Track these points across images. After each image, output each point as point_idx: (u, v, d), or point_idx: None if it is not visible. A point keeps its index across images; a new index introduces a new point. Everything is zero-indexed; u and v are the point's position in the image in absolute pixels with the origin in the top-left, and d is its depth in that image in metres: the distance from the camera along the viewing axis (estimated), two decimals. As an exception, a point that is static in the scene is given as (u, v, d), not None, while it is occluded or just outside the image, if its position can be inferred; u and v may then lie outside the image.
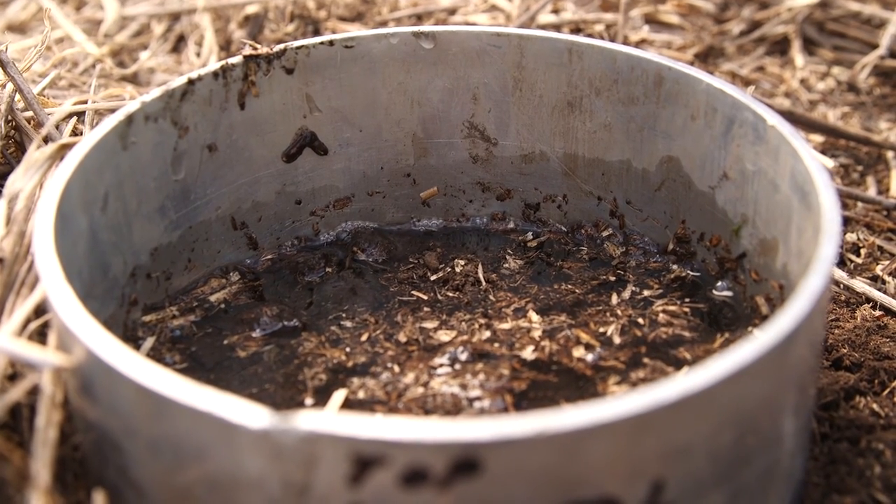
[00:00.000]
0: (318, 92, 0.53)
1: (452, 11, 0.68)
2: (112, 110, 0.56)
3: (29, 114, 0.55)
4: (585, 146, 0.54)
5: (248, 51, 0.51)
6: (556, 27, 0.67)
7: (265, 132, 0.53)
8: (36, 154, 0.47)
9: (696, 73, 0.50)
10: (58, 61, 0.63)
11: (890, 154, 0.64)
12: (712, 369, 0.34)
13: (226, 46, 0.71)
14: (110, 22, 0.77)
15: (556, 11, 0.70)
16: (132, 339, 0.48)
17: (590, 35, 0.65)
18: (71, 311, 0.38)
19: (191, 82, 0.50)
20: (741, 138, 0.48)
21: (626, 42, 0.65)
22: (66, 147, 0.47)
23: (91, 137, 0.46)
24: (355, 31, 0.53)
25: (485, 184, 0.56)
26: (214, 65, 0.51)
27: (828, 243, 0.40)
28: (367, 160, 0.55)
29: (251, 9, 0.71)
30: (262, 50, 0.51)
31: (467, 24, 0.69)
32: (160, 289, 0.51)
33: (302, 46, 0.52)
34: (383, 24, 0.68)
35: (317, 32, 0.68)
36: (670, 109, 0.51)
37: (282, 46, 0.52)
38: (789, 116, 0.64)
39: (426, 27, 0.53)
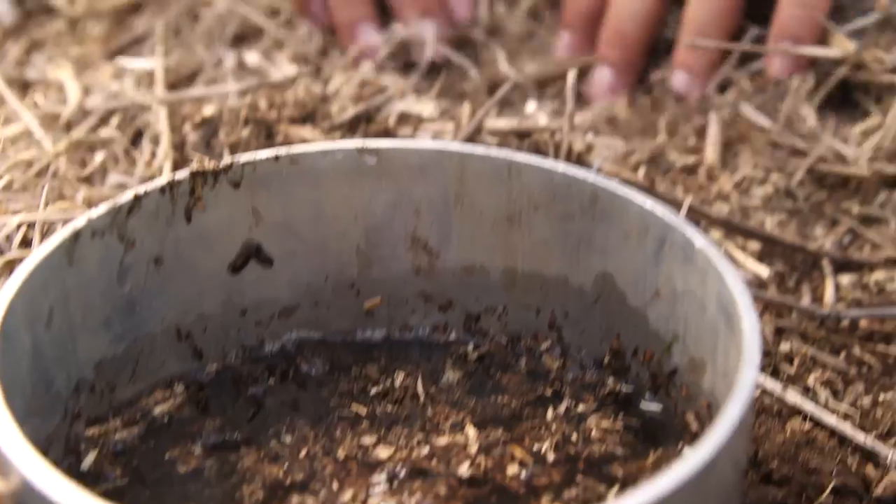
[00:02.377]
0: (264, 205, 0.55)
1: (404, 119, 0.69)
2: (64, 220, 0.57)
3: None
4: (525, 260, 0.56)
5: (195, 166, 0.53)
6: (504, 133, 0.69)
7: (211, 244, 0.54)
8: (-18, 271, 0.48)
9: (629, 193, 0.51)
10: (12, 166, 0.64)
11: (825, 262, 0.66)
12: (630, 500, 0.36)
13: (180, 147, 0.72)
14: (70, 113, 0.78)
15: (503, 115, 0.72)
16: (75, 453, 0.49)
17: (535, 142, 0.67)
18: (7, 436, 0.38)
19: (137, 198, 0.51)
20: (671, 259, 0.50)
21: (570, 149, 0.67)
22: (12, 263, 0.48)
23: (36, 255, 0.47)
24: (301, 146, 0.54)
25: (427, 294, 0.58)
26: (161, 180, 0.52)
27: (748, 371, 0.42)
28: (311, 271, 0.57)
29: (207, 111, 0.73)
30: (209, 165, 0.53)
31: (418, 122, 0.71)
32: (104, 401, 0.51)
33: (248, 161, 0.54)
34: (334, 127, 0.69)
35: (270, 136, 0.69)
36: (605, 227, 0.53)
37: (228, 161, 0.53)
38: (727, 224, 0.66)
39: (371, 142, 0.55)
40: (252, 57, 0.84)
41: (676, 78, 0.79)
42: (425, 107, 0.70)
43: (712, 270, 0.47)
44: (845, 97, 0.78)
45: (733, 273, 0.46)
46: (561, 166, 0.53)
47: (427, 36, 0.80)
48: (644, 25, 0.79)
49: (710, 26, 0.78)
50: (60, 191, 0.66)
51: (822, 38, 0.78)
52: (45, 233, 0.58)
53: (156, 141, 0.74)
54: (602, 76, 0.79)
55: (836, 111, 0.77)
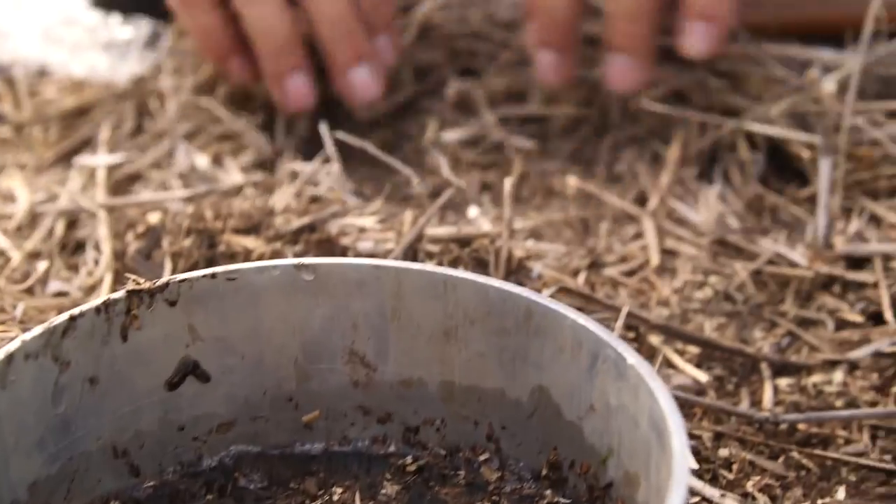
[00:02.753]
0: (200, 322, 0.55)
1: (347, 229, 0.70)
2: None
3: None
4: (461, 373, 0.56)
5: (130, 285, 0.53)
6: (445, 241, 0.70)
7: (148, 362, 0.54)
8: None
9: (563, 309, 0.52)
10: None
11: (763, 365, 0.67)
12: None
13: (122, 255, 0.72)
14: (18, 221, 0.78)
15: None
16: (6, 578, 0.49)
17: (476, 250, 0.68)
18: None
19: (73, 318, 0.51)
20: (605, 374, 0.50)
21: (510, 256, 0.68)
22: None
23: (-31, 379, 0.47)
24: (238, 264, 0.55)
25: (366, 407, 0.58)
26: (96, 300, 0.52)
27: (677, 491, 0.42)
28: (249, 386, 0.57)
29: (152, 218, 0.73)
30: (145, 284, 0.53)
31: (360, 232, 0.72)
32: (38, 523, 0.51)
33: (185, 280, 0.54)
34: (278, 237, 0.70)
35: (212, 246, 0.70)
36: (540, 342, 0.53)
37: (164, 280, 0.54)
38: (666, 329, 0.67)
39: (307, 259, 0.55)
40: (202, 161, 0.84)
41: (615, 60, 0.80)
42: (367, 220, 0.71)
43: (644, 387, 0.48)
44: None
45: (664, 390, 0.47)
46: (496, 282, 0.54)
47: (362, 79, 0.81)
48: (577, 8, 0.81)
49: (640, 5, 0.78)
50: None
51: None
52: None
53: (98, 248, 0.75)
54: (546, 60, 0.83)
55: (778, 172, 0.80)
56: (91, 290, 0.71)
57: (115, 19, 0.99)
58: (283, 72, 0.79)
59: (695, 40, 0.78)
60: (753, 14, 0.88)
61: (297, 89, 0.80)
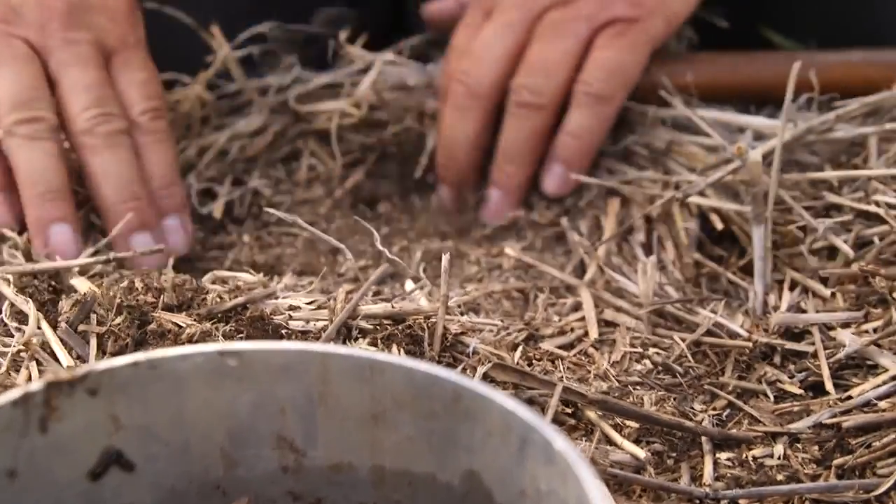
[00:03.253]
0: (123, 411, 0.54)
1: (277, 312, 0.69)
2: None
3: None
4: (392, 457, 0.55)
5: (49, 377, 0.52)
6: (379, 318, 0.69)
7: (69, 453, 0.53)
8: None
9: (490, 392, 0.51)
10: None
11: (704, 439, 0.66)
12: None
13: (54, 325, 0.71)
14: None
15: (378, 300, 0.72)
16: None
17: (409, 327, 0.67)
18: None
19: (-12, 412, 0.50)
20: (534, 458, 0.50)
21: (446, 332, 0.67)
22: None
23: None
24: (160, 350, 0.54)
25: (295, 493, 0.57)
26: (13, 392, 0.51)
27: (603, 584, 0.41)
28: (175, 474, 0.56)
29: (82, 287, 0.72)
30: (65, 376, 0.52)
31: (294, 310, 0.71)
32: None
33: (106, 369, 0.53)
34: (210, 316, 0.69)
35: (144, 325, 0.68)
36: (469, 425, 0.52)
37: (85, 370, 0.52)
38: (603, 405, 0.66)
39: (231, 345, 0.54)
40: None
41: (491, 195, 0.87)
42: (301, 300, 0.70)
43: (571, 473, 0.47)
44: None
45: (592, 476, 0.46)
46: (423, 365, 0.53)
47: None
48: (470, 148, 0.88)
49: (517, 149, 0.86)
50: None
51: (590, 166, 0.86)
52: None
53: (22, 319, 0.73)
54: (444, 193, 0.90)
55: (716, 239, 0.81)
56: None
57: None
58: (46, 221, 0.76)
59: (550, 182, 0.87)
60: (688, 76, 0.89)
61: (60, 241, 0.76)
